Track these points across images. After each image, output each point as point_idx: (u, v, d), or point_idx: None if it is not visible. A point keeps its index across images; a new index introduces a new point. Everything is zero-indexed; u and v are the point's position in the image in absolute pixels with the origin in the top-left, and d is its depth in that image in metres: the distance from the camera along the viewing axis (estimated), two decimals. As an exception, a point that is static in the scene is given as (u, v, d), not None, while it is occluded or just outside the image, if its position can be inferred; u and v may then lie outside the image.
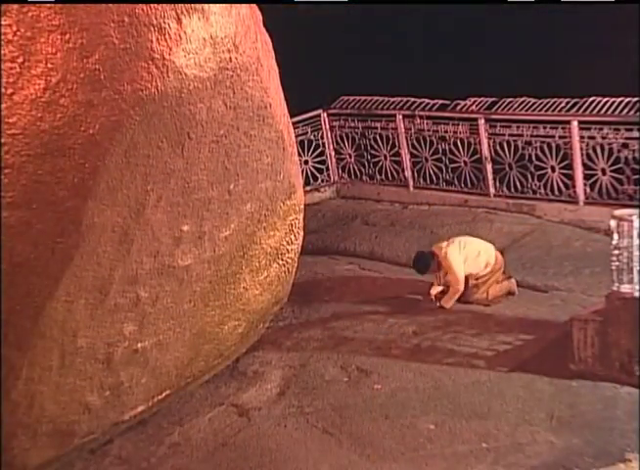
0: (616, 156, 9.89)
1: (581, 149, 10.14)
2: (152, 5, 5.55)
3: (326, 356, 7.86)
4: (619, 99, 10.02)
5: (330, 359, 7.81)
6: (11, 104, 5.29)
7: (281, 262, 7.58)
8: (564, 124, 10.27)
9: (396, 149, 12.04)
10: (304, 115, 12.38)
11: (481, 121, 10.99)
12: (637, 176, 9.78)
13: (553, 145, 10.39)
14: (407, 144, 11.89)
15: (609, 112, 10.02)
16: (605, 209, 9.54)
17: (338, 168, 12.79)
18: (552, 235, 10.01)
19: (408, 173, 11.98)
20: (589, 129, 10.06)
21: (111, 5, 5.44)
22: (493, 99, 11.18)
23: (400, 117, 11.85)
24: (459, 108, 11.47)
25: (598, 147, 10.03)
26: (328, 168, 12.75)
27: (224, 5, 5.99)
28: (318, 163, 12.66)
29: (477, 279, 8.50)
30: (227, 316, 7.30)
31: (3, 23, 5.25)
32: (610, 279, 6.86)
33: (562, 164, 10.39)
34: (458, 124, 11.30)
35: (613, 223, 6.74)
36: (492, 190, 11.12)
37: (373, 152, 12.34)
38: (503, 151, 10.85)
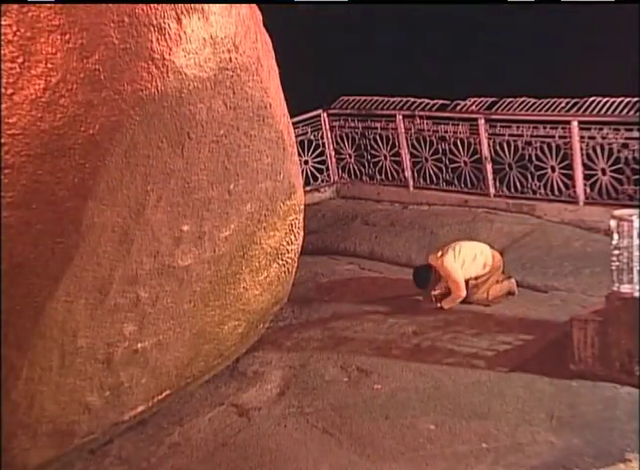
0: (616, 156, 9.89)
1: (581, 149, 10.14)
2: (152, 5, 5.55)
3: (326, 356, 7.86)
4: (619, 99, 10.02)
5: (330, 359, 7.81)
6: (11, 104, 5.29)
7: (281, 263, 7.58)
8: (564, 124, 10.27)
9: (396, 149, 12.05)
10: (304, 115, 12.39)
11: (481, 121, 10.99)
12: (637, 176, 9.77)
13: (553, 145, 10.40)
14: (407, 144, 11.89)
15: (609, 112, 10.02)
16: (605, 209, 9.55)
17: (338, 168, 12.79)
18: (552, 235, 10.01)
19: (408, 173, 11.98)
20: (589, 129, 10.06)
21: (111, 5, 5.43)
22: (493, 99, 11.18)
23: (400, 117, 11.86)
24: (459, 108, 11.47)
25: (598, 147, 10.03)
26: (328, 168, 12.76)
27: (224, 5, 5.99)
28: (318, 163, 12.66)
29: (476, 279, 8.50)
30: (227, 316, 7.30)
31: (3, 23, 5.24)
32: (610, 279, 6.86)
33: (562, 165, 10.39)
34: (458, 124, 11.30)
35: (613, 223, 6.74)
36: (492, 190, 11.12)
37: (373, 152, 12.34)
38: (503, 151, 10.85)
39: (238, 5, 6.15)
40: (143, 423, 7.10)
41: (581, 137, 10.13)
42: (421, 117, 11.68)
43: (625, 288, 6.71)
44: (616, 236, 6.70)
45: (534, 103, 10.75)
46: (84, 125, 5.46)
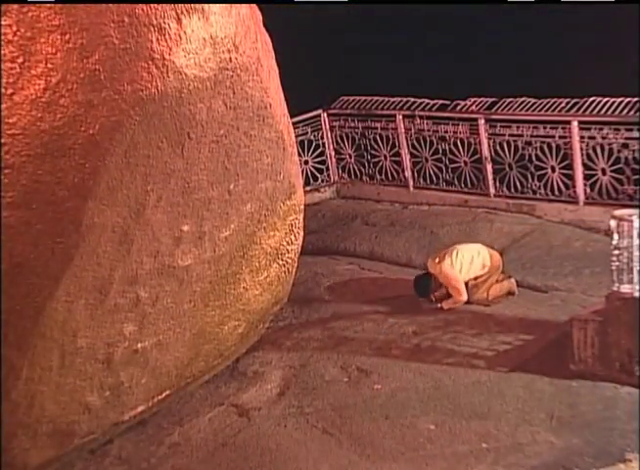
0: (616, 156, 9.89)
1: (581, 149, 10.14)
2: (152, 5, 5.55)
3: (326, 356, 7.86)
4: (619, 99, 10.02)
5: (330, 359, 7.80)
6: (11, 104, 5.29)
7: (281, 263, 7.58)
8: (564, 124, 10.27)
9: (396, 149, 12.04)
10: (304, 115, 12.38)
11: (481, 121, 10.99)
12: (637, 176, 9.77)
13: (553, 145, 10.39)
14: (407, 144, 11.88)
15: (609, 112, 10.02)
16: (605, 209, 9.55)
17: (338, 169, 12.79)
18: (552, 235, 10.01)
19: (408, 173, 11.98)
20: (589, 129, 10.06)
21: (111, 5, 5.44)
22: (493, 99, 11.18)
23: (400, 117, 11.85)
24: (459, 108, 11.46)
25: (598, 147, 10.03)
26: (328, 169, 12.75)
27: (224, 5, 5.99)
28: (318, 163, 12.65)
29: (475, 279, 8.50)
30: (227, 316, 7.30)
31: (3, 23, 5.25)
32: (610, 279, 6.86)
33: (562, 165, 10.38)
34: (458, 124, 11.30)
35: (613, 223, 6.74)
36: (492, 190, 11.11)
37: (373, 152, 12.33)
38: (503, 151, 10.84)
39: (238, 5, 6.15)
40: (143, 423, 7.10)
41: (581, 137, 10.13)
42: (421, 117, 11.68)
43: (625, 288, 6.71)
44: (616, 236, 6.70)
45: (534, 103, 10.74)
46: (84, 125, 5.46)
